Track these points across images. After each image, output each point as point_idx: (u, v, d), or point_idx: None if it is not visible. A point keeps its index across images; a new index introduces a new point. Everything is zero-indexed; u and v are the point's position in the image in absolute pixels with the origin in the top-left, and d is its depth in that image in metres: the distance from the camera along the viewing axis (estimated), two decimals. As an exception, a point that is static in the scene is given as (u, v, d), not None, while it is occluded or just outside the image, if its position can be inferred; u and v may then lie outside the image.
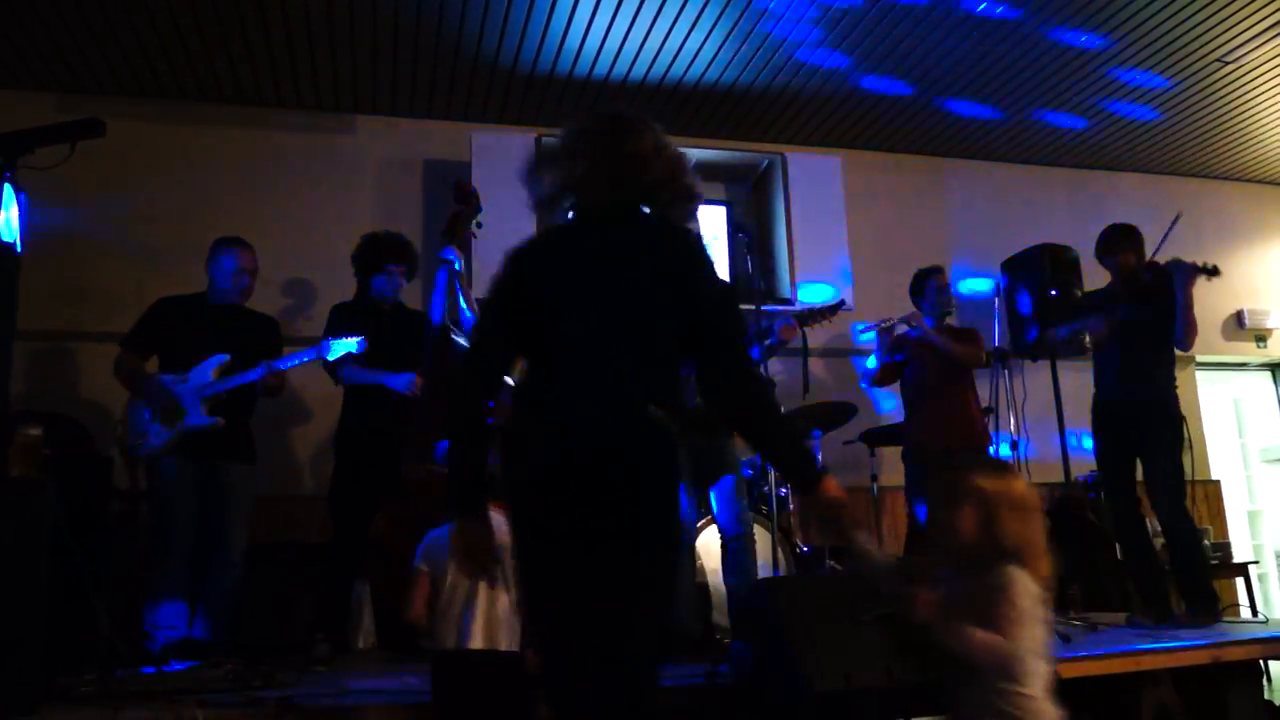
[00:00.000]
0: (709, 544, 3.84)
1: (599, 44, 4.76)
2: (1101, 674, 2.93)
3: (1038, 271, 5.38)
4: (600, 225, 1.95)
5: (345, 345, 3.65)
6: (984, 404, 4.59)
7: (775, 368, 4.22)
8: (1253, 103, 5.60)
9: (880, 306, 4.98)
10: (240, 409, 3.74)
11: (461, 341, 3.76)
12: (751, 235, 4.49)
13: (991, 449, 4.55)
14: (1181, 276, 3.91)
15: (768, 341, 3.52)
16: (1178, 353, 4.12)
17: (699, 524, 3.69)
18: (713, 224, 5.48)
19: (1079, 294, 5.18)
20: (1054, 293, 5.14)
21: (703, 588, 3.86)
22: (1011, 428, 4.50)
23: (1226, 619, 4.04)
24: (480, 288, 3.19)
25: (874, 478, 4.93)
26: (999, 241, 5.84)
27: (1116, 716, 3.06)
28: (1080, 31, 4.78)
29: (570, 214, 2.00)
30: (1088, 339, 4.22)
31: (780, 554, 3.79)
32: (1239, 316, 6.54)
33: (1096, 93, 5.43)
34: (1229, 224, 6.68)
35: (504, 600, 2.74)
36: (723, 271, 5.37)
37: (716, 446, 3.52)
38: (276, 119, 5.24)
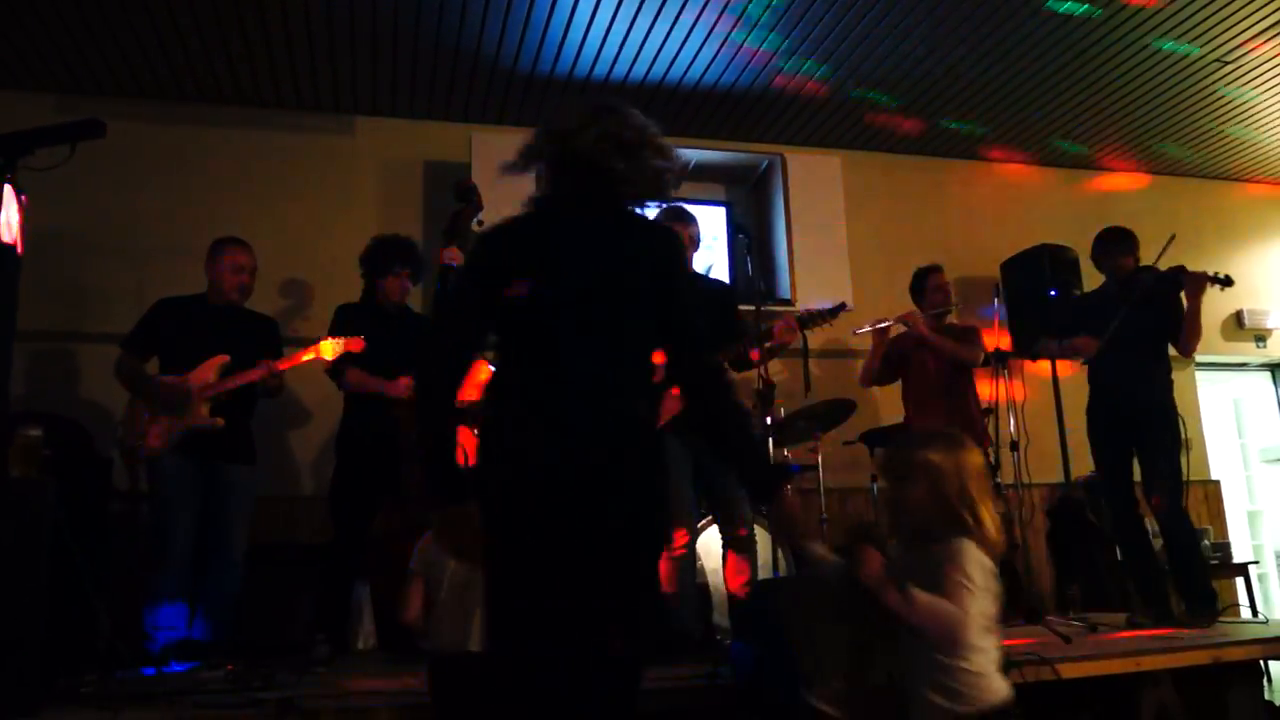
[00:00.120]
0: (709, 544, 3.85)
1: (599, 45, 4.77)
2: (1101, 674, 2.93)
3: (1037, 272, 5.39)
4: (578, 214, 1.92)
5: (341, 345, 3.66)
6: (984, 404, 4.59)
7: (775, 368, 4.22)
8: (1253, 103, 5.60)
9: (880, 306, 4.98)
10: (241, 410, 3.74)
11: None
12: (751, 236, 4.48)
13: (991, 449, 4.55)
14: (1192, 287, 3.91)
15: (768, 343, 3.52)
16: (1177, 354, 4.13)
17: (699, 524, 3.69)
18: (713, 225, 5.48)
19: (1078, 294, 5.19)
20: (1054, 293, 5.14)
21: (703, 588, 3.86)
22: (1011, 428, 4.50)
23: (1226, 619, 4.04)
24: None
25: (874, 478, 4.94)
26: (999, 241, 5.85)
27: (1116, 717, 3.05)
28: (1079, 33, 4.79)
29: (544, 201, 1.97)
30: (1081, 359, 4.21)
31: (780, 554, 3.80)
32: (1239, 317, 6.54)
33: (1097, 93, 5.43)
34: (1229, 224, 6.69)
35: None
36: (723, 273, 5.37)
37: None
38: (276, 120, 5.24)
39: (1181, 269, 4.02)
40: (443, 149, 5.32)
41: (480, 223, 4.03)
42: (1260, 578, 6.53)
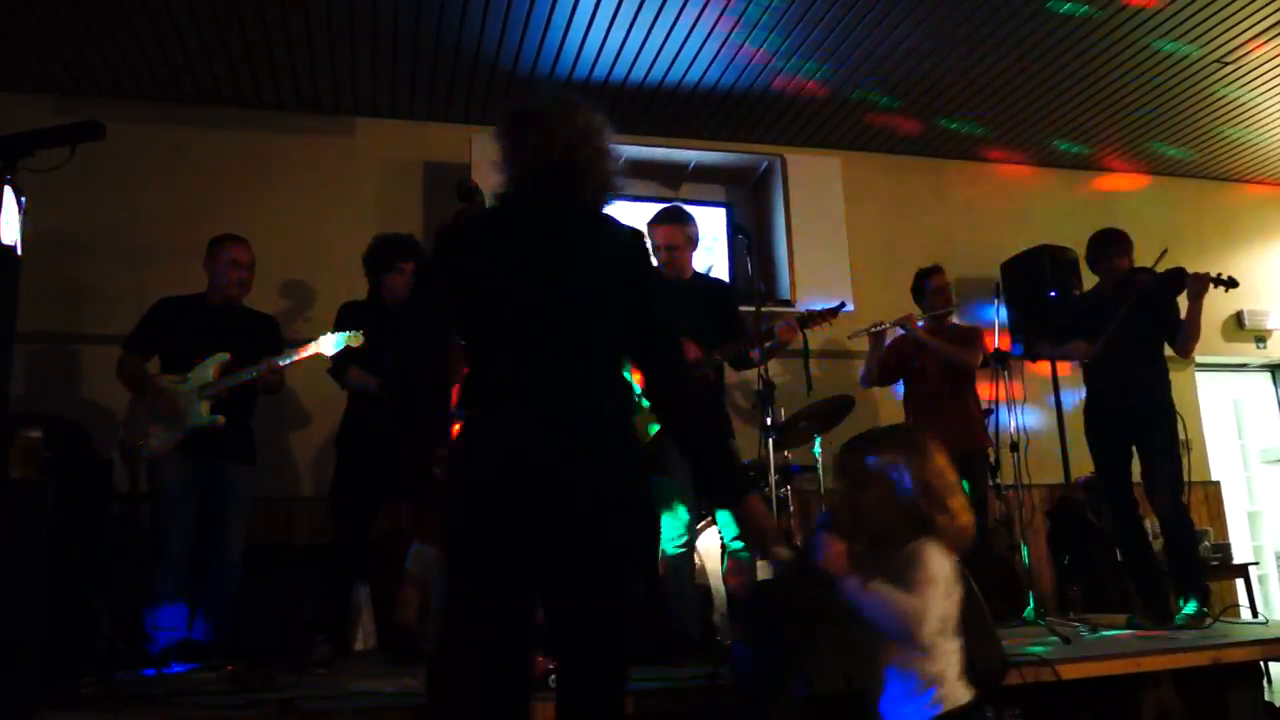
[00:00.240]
0: (709, 545, 3.84)
1: (599, 46, 4.77)
2: (1102, 675, 2.93)
3: (1037, 272, 5.39)
4: (542, 211, 1.90)
5: (340, 341, 3.64)
6: (984, 405, 4.59)
7: (775, 369, 4.22)
8: (1253, 103, 5.60)
9: (880, 307, 4.98)
10: (241, 409, 3.75)
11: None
12: (751, 237, 4.49)
13: (991, 449, 4.55)
14: (1195, 289, 3.91)
15: (768, 344, 3.52)
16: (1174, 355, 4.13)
17: (699, 525, 3.69)
18: (713, 225, 5.48)
19: (1077, 294, 5.19)
20: (1054, 294, 5.14)
21: (703, 589, 3.86)
22: (1011, 428, 4.50)
23: (1227, 620, 4.04)
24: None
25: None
26: (998, 242, 5.85)
27: (1117, 718, 3.06)
28: (1079, 33, 4.79)
29: (509, 197, 1.95)
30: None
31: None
32: (1239, 317, 6.54)
33: (1097, 93, 5.43)
34: (1229, 224, 6.69)
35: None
36: (723, 273, 5.37)
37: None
38: (276, 121, 5.24)
39: (1182, 270, 4.02)
40: (443, 149, 5.32)
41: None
42: (1260, 579, 6.53)
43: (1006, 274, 5.64)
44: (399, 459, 3.45)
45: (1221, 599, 5.36)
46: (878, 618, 1.79)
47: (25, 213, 2.14)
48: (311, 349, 3.65)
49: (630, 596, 1.85)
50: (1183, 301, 4.02)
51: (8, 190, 2.07)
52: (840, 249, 5.61)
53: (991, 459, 4.58)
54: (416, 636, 3.52)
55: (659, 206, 3.99)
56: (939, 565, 1.80)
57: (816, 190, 5.64)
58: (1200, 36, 4.85)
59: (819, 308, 3.75)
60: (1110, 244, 4.20)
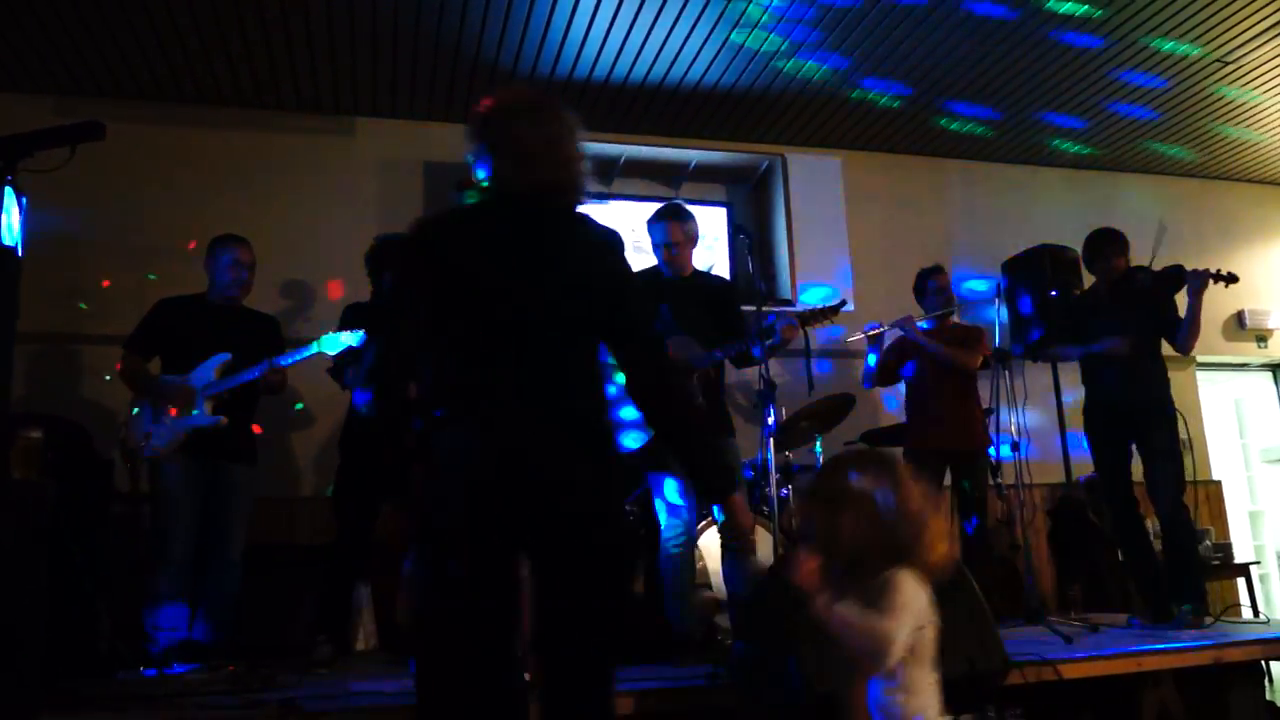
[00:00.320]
0: (710, 545, 3.84)
1: (599, 45, 4.76)
2: (1103, 675, 2.93)
3: (1038, 272, 5.39)
4: (519, 211, 1.89)
5: (342, 341, 3.64)
6: (985, 404, 4.59)
7: (776, 368, 4.22)
8: (1253, 102, 5.60)
9: (880, 306, 4.98)
10: (243, 409, 3.74)
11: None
12: (752, 236, 4.48)
13: (992, 449, 4.55)
14: (1195, 284, 3.90)
15: (769, 342, 3.51)
16: (1177, 354, 4.12)
17: (699, 525, 3.69)
18: (713, 225, 5.48)
19: (1078, 293, 5.19)
20: (1054, 293, 5.14)
21: (704, 589, 3.86)
22: (1012, 428, 4.49)
23: (1228, 619, 4.04)
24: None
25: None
26: (999, 241, 5.85)
27: (1118, 717, 3.06)
28: (1078, 33, 4.79)
29: (480, 195, 1.93)
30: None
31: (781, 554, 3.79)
32: (1240, 317, 6.54)
33: (1096, 93, 5.43)
34: (1229, 224, 6.69)
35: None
36: (724, 272, 5.37)
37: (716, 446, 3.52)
38: (276, 121, 5.24)
39: (1181, 268, 4.02)
40: (443, 149, 5.32)
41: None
42: (1261, 578, 6.53)
43: (1007, 274, 5.64)
44: (389, 462, 3.45)
45: (1223, 598, 5.36)
46: (845, 638, 1.78)
47: (26, 213, 2.14)
48: (314, 349, 3.65)
49: (612, 594, 1.84)
50: (1181, 299, 4.02)
51: (9, 191, 2.07)
52: (841, 249, 5.61)
53: (992, 459, 4.57)
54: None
55: (659, 206, 3.99)
56: (913, 594, 1.78)
57: (817, 189, 5.64)
58: (1201, 36, 4.85)
59: (819, 305, 3.75)
60: (1107, 244, 4.19)
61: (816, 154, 5.84)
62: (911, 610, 1.77)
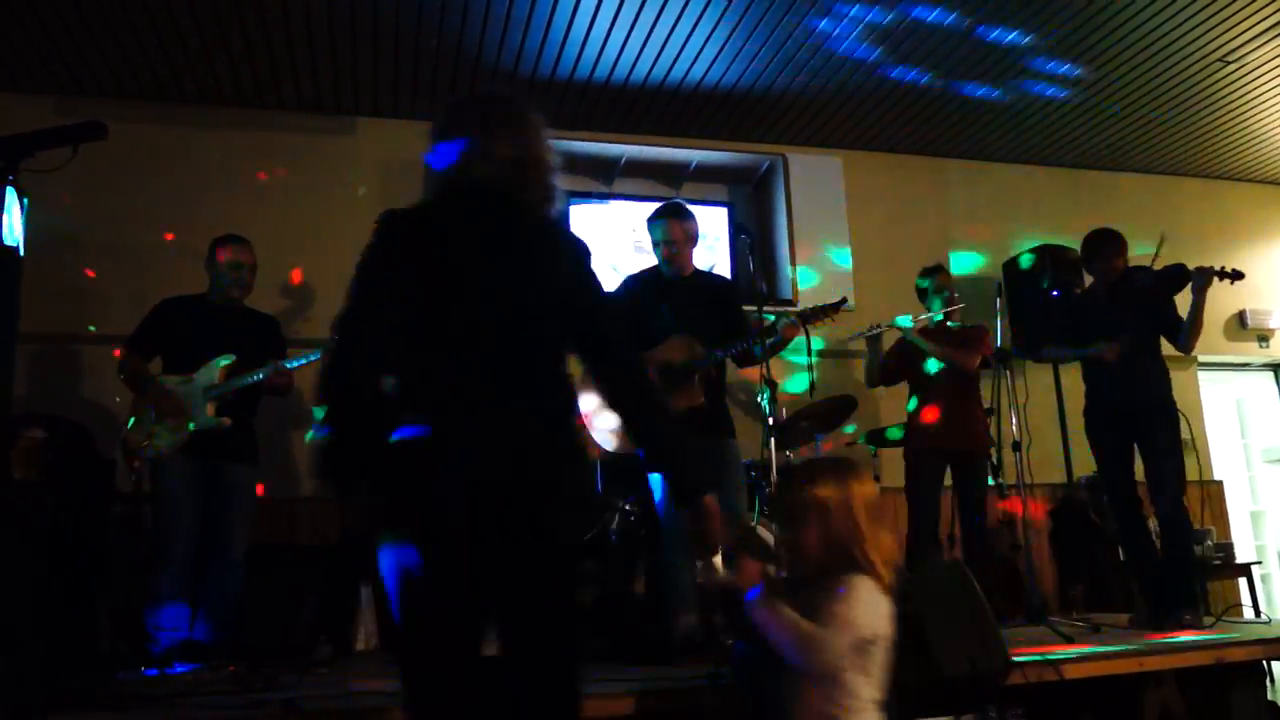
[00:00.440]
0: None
1: (600, 45, 4.76)
2: (1104, 675, 2.92)
3: (1039, 272, 5.39)
4: (486, 212, 1.88)
5: None
6: (986, 405, 4.58)
7: (778, 370, 4.22)
8: (1254, 102, 5.60)
9: (881, 306, 4.97)
10: (245, 410, 3.74)
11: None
12: (753, 236, 4.49)
13: (993, 449, 4.55)
14: (1199, 282, 3.90)
15: (771, 341, 3.51)
16: (1178, 354, 4.12)
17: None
18: (714, 225, 5.48)
19: (1079, 292, 5.18)
20: (1055, 293, 5.14)
21: (704, 589, 3.86)
22: (1014, 428, 4.49)
23: (1229, 619, 4.03)
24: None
25: (877, 478, 4.93)
26: (999, 241, 5.84)
27: (1119, 717, 3.05)
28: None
29: (441, 192, 1.93)
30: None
31: (781, 554, 3.78)
32: (1241, 317, 6.53)
33: (1099, 91, 5.43)
34: (1230, 224, 6.68)
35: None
36: (725, 272, 5.37)
37: (717, 446, 3.52)
38: (277, 121, 5.24)
39: (1182, 266, 4.01)
40: (443, 149, 5.31)
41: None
42: (1263, 578, 6.52)
43: (1007, 274, 5.64)
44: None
45: (1224, 598, 5.36)
46: (777, 641, 1.78)
47: (27, 213, 2.14)
48: (320, 353, 3.66)
49: (568, 596, 1.83)
50: (1181, 299, 4.01)
51: (10, 191, 2.07)
52: (842, 248, 5.61)
53: (994, 459, 4.57)
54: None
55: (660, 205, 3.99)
56: (863, 605, 1.78)
57: (818, 190, 5.65)
58: (1203, 35, 4.85)
59: (820, 304, 3.75)
60: (1105, 244, 4.19)
61: (817, 154, 5.84)
62: (858, 621, 1.77)
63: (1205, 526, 5.14)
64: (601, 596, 3.72)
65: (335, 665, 3.48)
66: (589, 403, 2.96)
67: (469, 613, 1.71)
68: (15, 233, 2.08)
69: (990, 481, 4.49)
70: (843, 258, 5.66)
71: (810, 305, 3.84)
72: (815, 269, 5.56)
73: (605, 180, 5.59)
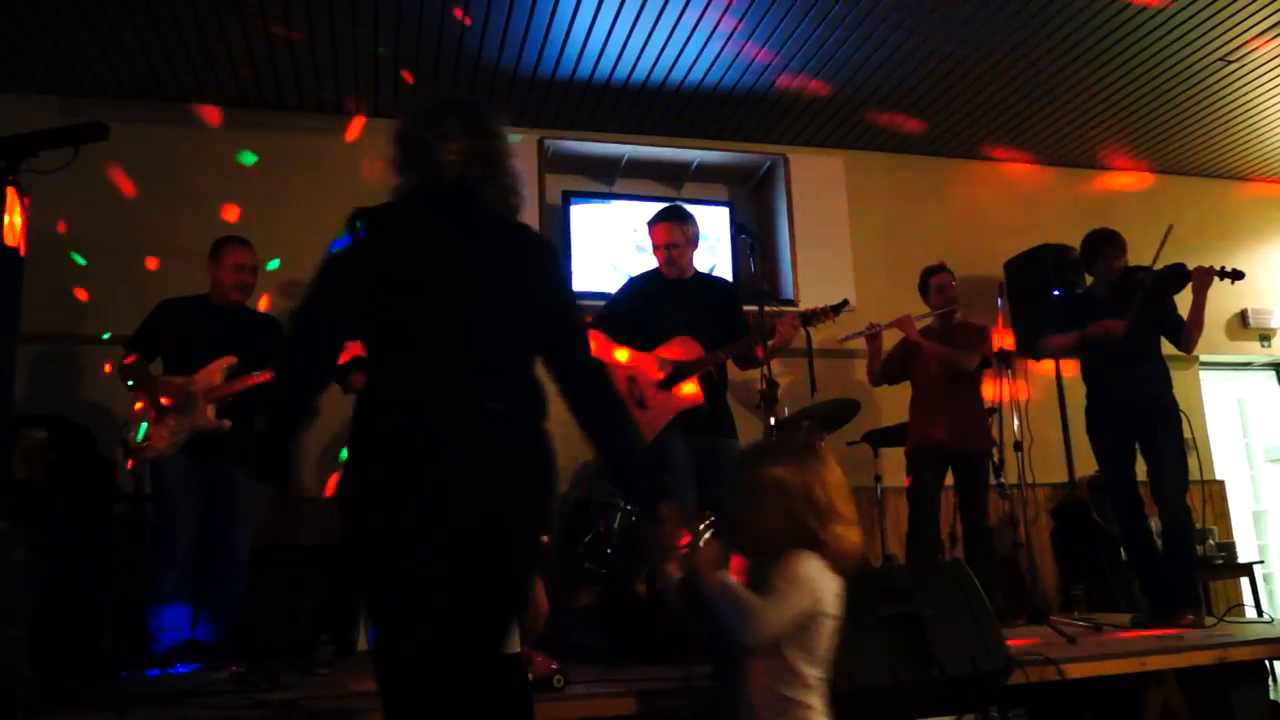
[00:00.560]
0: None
1: (600, 46, 4.76)
2: (1106, 674, 2.92)
3: (1041, 271, 5.39)
4: (453, 215, 1.89)
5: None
6: (988, 404, 4.58)
7: (778, 370, 4.22)
8: (1254, 102, 5.59)
9: (882, 306, 4.97)
10: (246, 411, 3.74)
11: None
12: (754, 236, 4.49)
13: (995, 449, 4.55)
14: (1200, 281, 3.90)
15: (771, 340, 3.51)
16: (1180, 353, 4.12)
17: (700, 525, 3.69)
18: (715, 225, 5.48)
19: (1079, 292, 5.18)
20: (1056, 293, 5.14)
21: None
22: (1015, 428, 4.49)
23: (1232, 619, 4.03)
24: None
25: (878, 479, 4.94)
26: (1000, 241, 5.84)
27: (1121, 717, 3.05)
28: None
29: (408, 195, 1.94)
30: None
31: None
32: (1243, 316, 6.53)
33: (1099, 91, 5.42)
34: (1231, 224, 6.67)
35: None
36: (726, 272, 5.37)
37: (717, 447, 3.52)
38: (277, 120, 5.24)
39: (1183, 266, 4.01)
40: (444, 150, 5.30)
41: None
42: (1265, 578, 6.52)
43: (1010, 273, 5.64)
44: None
45: (1226, 598, 5.35)
46: (724, 616, 1.78)
47: (28, 213, 2.15)
48: None
49: (525, 593, 1.87)
50: (1182, 298, 4.01)
51: (10, 191, 2.08)
52: (843, 249, 5.61)
53: (995, 459, 4.57)
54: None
55: (661, 206, 3.99)
56: (807, 578, 1.77)
57: (819, 190, 5.64)
58: (1204, 35, 4.84)
59: (821, 305, 3.75)
60: (1105, 244, 4.19)
61: (818, 154, 5.84)
62: (802, 594, 1.76)
63: (1207, 526, 5.14)
64: (602, 596, 3.72)
65: (337, 665, 3.48)
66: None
67: (436, 604, 1.70)
68: (16, 233, 2.08)
69: (991, 481, 4.49)
70: (843, 257, 5.65)
71: (811, 305, 3.84)
72: (816, 268, 5.55)
73: (606, 180, 5.59)
